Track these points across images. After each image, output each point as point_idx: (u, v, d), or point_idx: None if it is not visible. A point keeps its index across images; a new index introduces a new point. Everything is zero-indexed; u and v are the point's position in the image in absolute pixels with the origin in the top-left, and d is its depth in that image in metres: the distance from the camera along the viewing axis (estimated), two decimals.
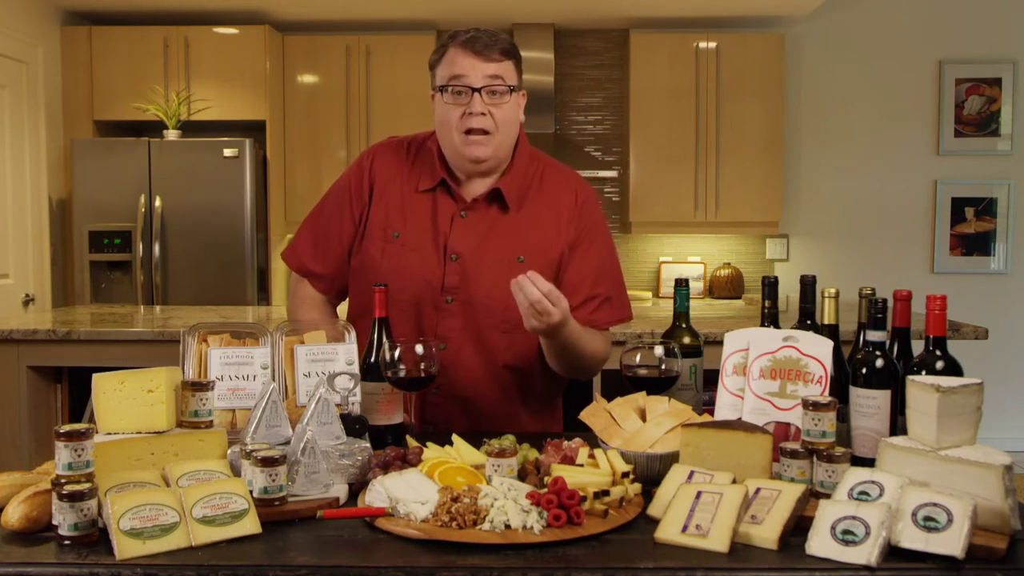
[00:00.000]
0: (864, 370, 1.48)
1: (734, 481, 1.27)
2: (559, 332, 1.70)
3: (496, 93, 1.78)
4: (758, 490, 1.24)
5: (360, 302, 1.91)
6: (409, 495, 1.26)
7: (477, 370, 1.85)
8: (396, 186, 1.89)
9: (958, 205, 5.53)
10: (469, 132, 1.78)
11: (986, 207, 5.53)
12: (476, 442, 1.51)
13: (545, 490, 1.25)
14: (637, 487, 1.33)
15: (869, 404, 1.46)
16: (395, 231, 1.86)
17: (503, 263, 1.83)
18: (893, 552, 1.13)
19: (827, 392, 1.45)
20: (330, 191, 1.99)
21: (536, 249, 1.86)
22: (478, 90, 1.76)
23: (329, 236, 1.94)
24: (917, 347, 1.53)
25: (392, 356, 1.61)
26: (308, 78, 5.37)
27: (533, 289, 1.59)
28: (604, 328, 1.93)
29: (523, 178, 1.89)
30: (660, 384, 1.66)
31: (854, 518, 1.14)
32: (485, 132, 1.78)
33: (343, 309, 2.03)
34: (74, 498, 1.16)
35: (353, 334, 1.68)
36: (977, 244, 5.55)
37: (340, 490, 1.36)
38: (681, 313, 1.74)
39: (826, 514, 1.16)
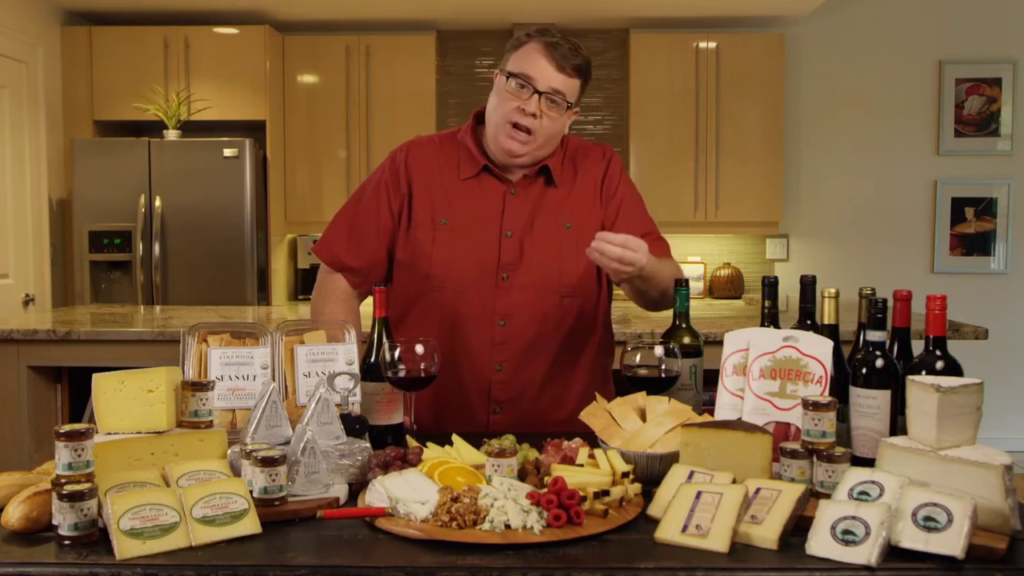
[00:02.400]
0: (864, 370, 1.47)
1: (734, 481, 1.27)
2: (645, 268, 1.72)
3: (555, 103, 1.83)
4: (758, 490, 1.24)
5: (407, 294, 1.94)
6: (409, 495, 1.26)
7: (537, 341, 1.89)
8: (436, 177, 1.94)
9: (958, 205, 5.53)
10: (515, 125, 1.83)
11: (986, 207, 5.53)
12: (476, 442, 1.51)
13: (545, 490, 1.25)
14: (637, 487, 1.33)
15: (869, 404, 1.46)
16: (443, 218, 1.90)
17: (552, 231, 1.91)
18: (893, 552, 1.13)
19: (827, 392, 1.45)
20: (363, 186, 2.02)
21: (581, 217, 1.93)
22: (540, 93, 1.81)
23: (365, 229, 1.96)
24: (917, 347, 1.53)
25: (392, 356, 1.61)
26: (308, 78, 5.37)
27: (611, 247, 1.63)
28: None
29: (563, 158, 1.97)
30: (660, 384, 1.66)
31: (854, 518, 1.14)
32: (529, 132, 1.83)
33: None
34: (74, 498, 1.16)
35: (353, 334, 1.68)
36: (977, 244, 5.55)
37: (340, 490, 1.36)
38: (681, 313, 1.74)
39: (826, 514, 1.16)
